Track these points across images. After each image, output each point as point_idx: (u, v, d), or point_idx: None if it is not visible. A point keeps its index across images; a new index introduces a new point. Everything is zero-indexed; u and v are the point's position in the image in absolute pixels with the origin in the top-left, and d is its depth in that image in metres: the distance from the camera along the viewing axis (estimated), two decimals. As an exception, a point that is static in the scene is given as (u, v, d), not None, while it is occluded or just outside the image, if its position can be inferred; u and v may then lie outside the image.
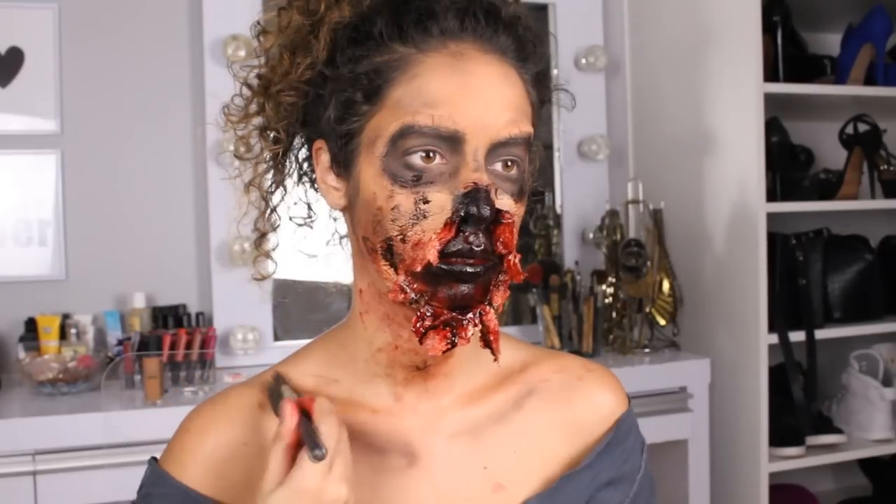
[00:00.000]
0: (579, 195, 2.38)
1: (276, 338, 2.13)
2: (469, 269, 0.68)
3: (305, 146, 0.81)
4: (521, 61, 0.74)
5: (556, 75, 2.39)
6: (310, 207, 0.84)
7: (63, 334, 1.95)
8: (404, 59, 0.70)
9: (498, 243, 0.69)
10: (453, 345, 0.70)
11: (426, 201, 0.69)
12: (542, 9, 2.39)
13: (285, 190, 0.83)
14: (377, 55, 0.71)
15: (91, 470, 1.64)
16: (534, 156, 0.80)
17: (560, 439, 0.82)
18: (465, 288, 0.69)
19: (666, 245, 2.21)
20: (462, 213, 0.68)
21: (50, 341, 1.92)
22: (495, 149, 0.70)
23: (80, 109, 2.09)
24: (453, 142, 0.68)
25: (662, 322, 2.19)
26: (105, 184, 2.11)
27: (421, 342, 0.70)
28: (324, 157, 0.76)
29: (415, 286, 0.70)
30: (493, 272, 0.70)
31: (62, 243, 2.06)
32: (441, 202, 0.68)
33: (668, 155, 2.30)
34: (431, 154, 0.69)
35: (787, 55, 2.15)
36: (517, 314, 2.39)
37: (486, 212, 0.67)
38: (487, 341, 0.71)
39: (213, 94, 2.08)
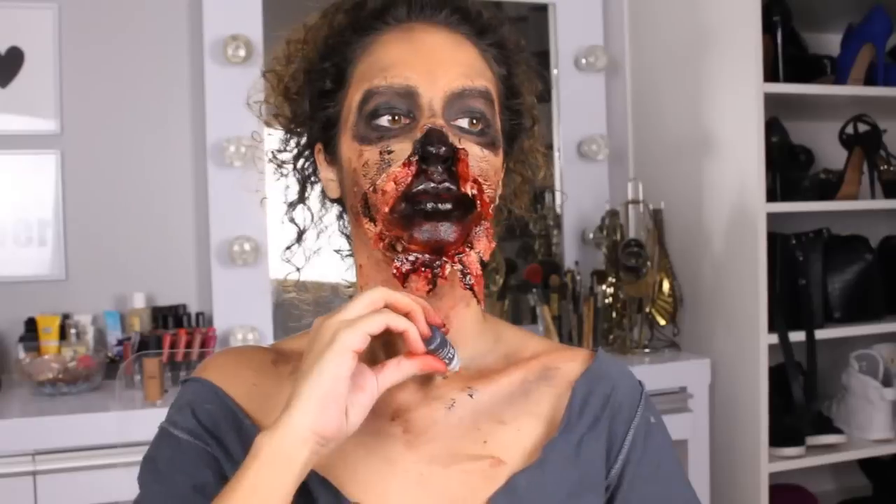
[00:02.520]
0: (579, 195, 2.38)
1: (276, 338, 2.13)
2: (440, 207, 0.72)
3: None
4: (474, 34, 0.80)
5: (556, 75, 2.39)
6: (348, 239, 0.88)
7: (63, 334, 1.95)
8: (366, 44, 0.79)
9: (461, 181, 0.73)
10: (434, 284, 0.73)
11: (390, 151, 0.74)
12: (542, 9, 2.40)
13: (313, 214, 0.89)
14: (346, 50, 0.80)
15: (91, 470, 1.64)
16: (530, 147, 0.86)
17: (554, 421, 0.81)
18: (441, 227, 0.72)
19: (666, 245, 2.21)
20: (420, 153, 0.72)
21: (50, 341, 1.92)
22: (453, 102, 0.75)
23: (80, 109, 2.09)
24: (409, 97, 0.75)
25: (662, 322, 2.19)
26: (105, 184, 2.11)
27: (403, 285, 0.73)
28: (321, 157, 0.83)
29: (391, 232, 0.73)
30: (468, 213, 0.73)
31: (62, 243, 2.06)
32: (404, 150, 0.73)
33: (668, 155, 2.30)
34: (396, 116, 0.75)
35: (787, 55, 2.15)
36: (517, 314, 2.39)
37: (442, 149, 0.71)
38: (469, 285, 0.74)
39: (213, 94, 2.09)
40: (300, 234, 0.89)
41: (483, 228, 0.75)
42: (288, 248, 0.89)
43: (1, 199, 2.04)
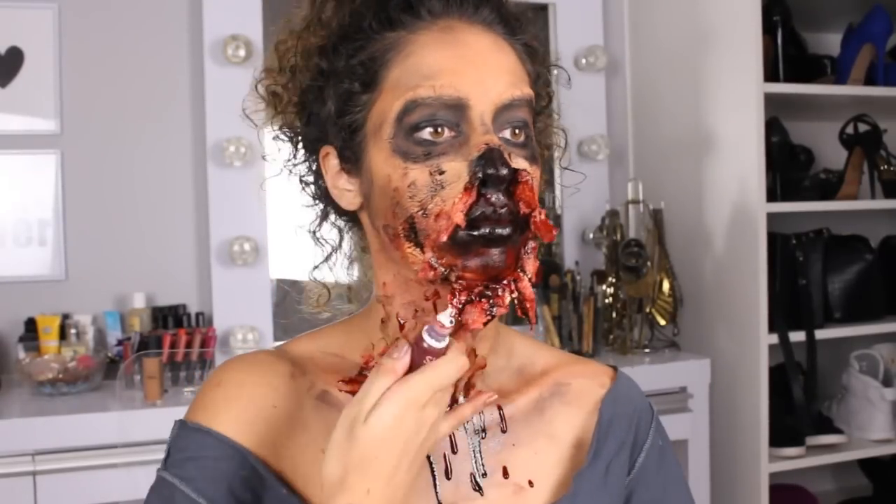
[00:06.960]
0: (579, 195, 2.37)
1: (276, 338, 2.13)
2: (499, 231, 0.67)
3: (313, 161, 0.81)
4: (509, 34, 0.75)
5: (556, 75, 2.39)
6: (340, 232, 0.84)
7: (63, 334, 1.95)
8: (396, 41, 0.72)
9: (520, 203, 0.69)
10: (492, 315, 0.69)
11: (441, 171, 0.68)
12: (543, 9, 2.39)
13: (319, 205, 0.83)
14: (370, 45, 0.72)
15: (91, 470, 1.64)
16: (546, 126, 0.84)
17: (579, 444, 0.82)
18: (496, 252, 0.68)
19: (666, 245, 2.21)
20: (480, 176, 0.67)
21: (50, 341, 1.92)
22: (500, 113, 0.70)
23: (80, 109, 2.09)
24: (458, 109, 0.69)
25: (662, 322, 2.19)
26: (105, 184, 2.11)
27: (459, 317, 0.68)
28: (332, 162, 0.76)
29: (443, 260, 0.68)
30: (521, 236, 0.69)
31: (62, 243, 2.06)
32: (457, 170, 0.68)
33: (668, 155, 2.30)
34: (440, 128, 0.69)
35: (787, 55, 2.15)
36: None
37: (504, 171, 0.67)
38: (524, 308, 0.71)
39: (213, 94, 2.09)
40: (330, 253, 0.83)
41: (530, 248, 0.70)
42: (316, 267, 0.84)
43: (1, 199, 2.04)
